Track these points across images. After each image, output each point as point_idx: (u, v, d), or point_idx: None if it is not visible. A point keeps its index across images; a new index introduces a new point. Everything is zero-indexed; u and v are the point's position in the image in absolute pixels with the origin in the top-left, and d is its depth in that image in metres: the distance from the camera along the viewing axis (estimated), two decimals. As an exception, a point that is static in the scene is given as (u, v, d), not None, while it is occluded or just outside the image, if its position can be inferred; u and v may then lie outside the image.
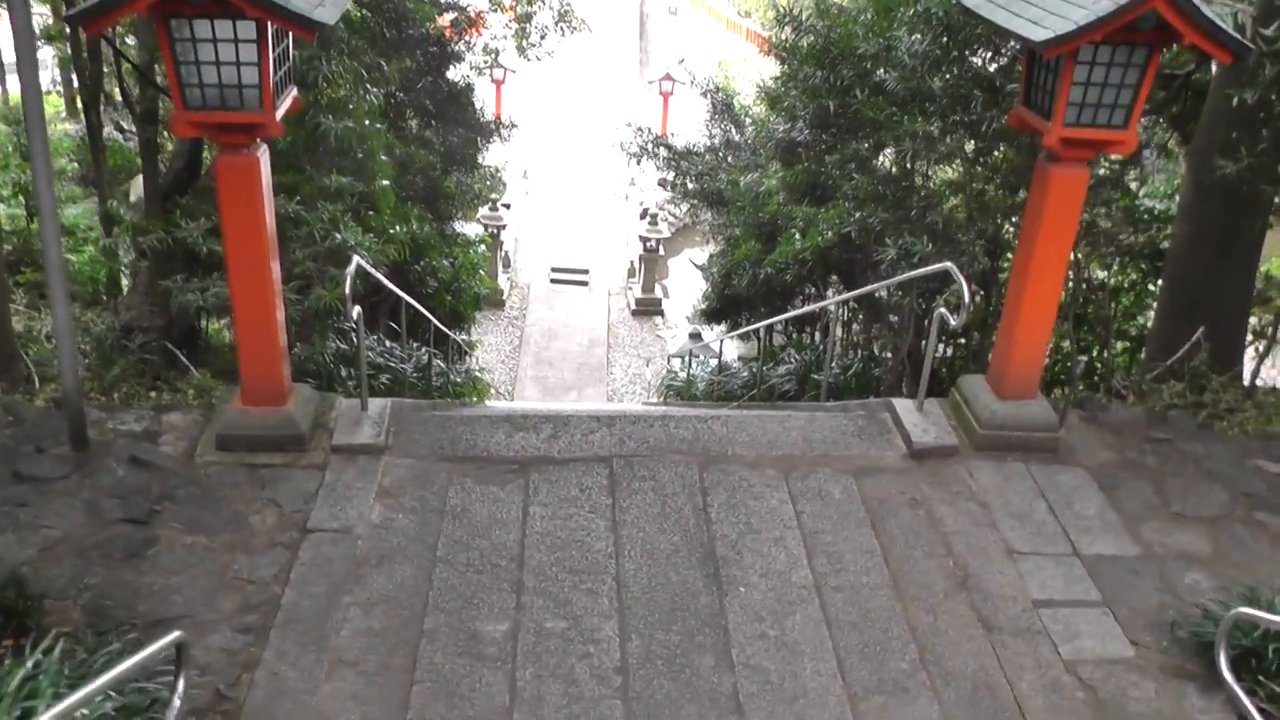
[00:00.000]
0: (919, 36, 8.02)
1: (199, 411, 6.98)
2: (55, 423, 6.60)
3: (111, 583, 5.47)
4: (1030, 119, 6.41)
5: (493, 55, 17.63)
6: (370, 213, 8.41)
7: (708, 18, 50.42)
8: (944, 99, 8.06)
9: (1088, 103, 6.01)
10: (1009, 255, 9.05)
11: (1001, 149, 8.82)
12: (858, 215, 8.92)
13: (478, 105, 14.17)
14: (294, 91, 5.97)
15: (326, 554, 5.74)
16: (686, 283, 29.10)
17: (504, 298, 26.00)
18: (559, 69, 39.31)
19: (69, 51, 12.17)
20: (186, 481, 6.24)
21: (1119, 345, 10.00)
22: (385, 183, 8.56)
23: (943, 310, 6.95)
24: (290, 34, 5.78)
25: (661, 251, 26.78)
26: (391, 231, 8.51)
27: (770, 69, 22.47)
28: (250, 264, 6.05)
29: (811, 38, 10.18)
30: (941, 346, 9.82)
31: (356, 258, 6.35)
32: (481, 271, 16.96)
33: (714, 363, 17.88)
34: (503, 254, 26.83)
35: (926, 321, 9.33)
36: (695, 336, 20.90)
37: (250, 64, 5.40)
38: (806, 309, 11.02)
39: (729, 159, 15.88)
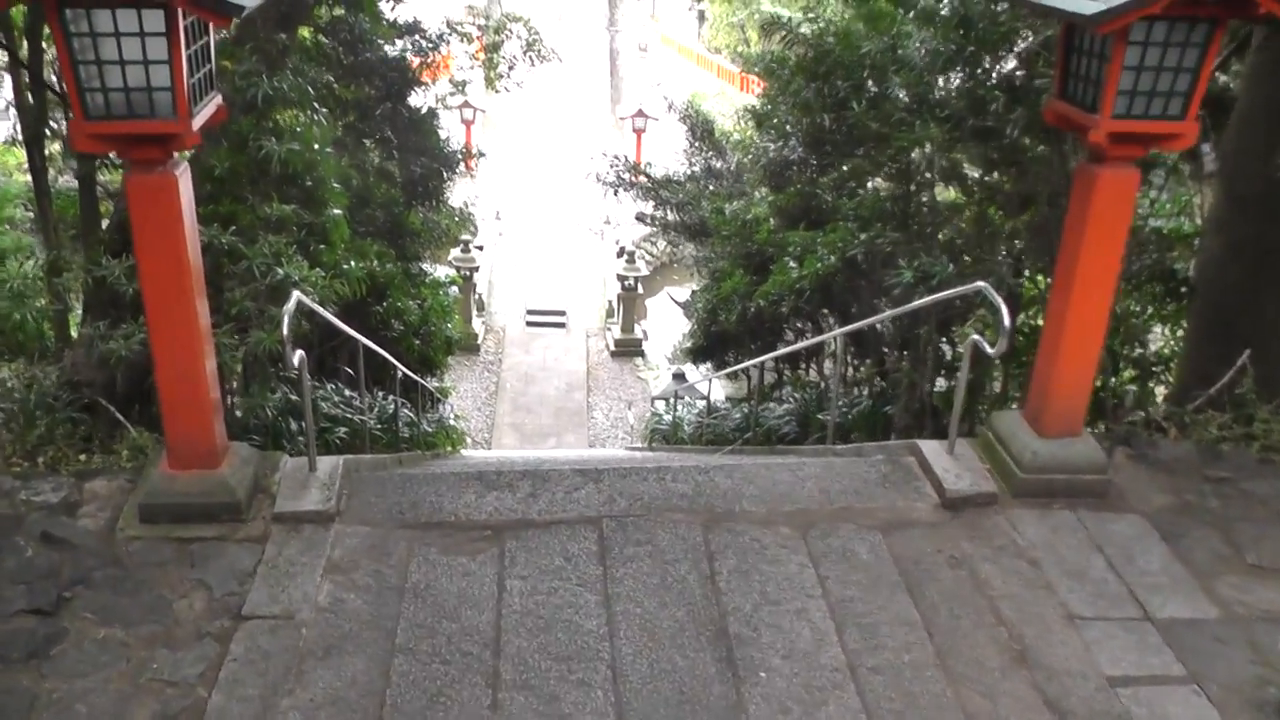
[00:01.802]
0: (930, 32, 7.20)
1: (126, 477, 6.03)
2: (-40, 497, 5.67)
3: (4, 691, 4.52)
4: (1070, 113, 5.57)
5: (459, 87, 16.73)
6: (321, 247, 7.50)
7: (678, 55, 50.05)
8: (961, 101, 7.24)
9: (1140, 90, 5.18)
10: (1035, 275, 8.20)
11: (999, 173, 8.00)
12: (863, 236, 8.07)
13: (443, 134, 13.28)
14: (217, 99, 5.07)
15: (263, 646, 4.79)
16: (666, 323, 28.43)
17: (479, 342, 25.14)
18: (530, 109, 38.85)
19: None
20: (105, 561, 5.29)
21: (1126, 374, 9.17)
22: (337, 212, 7.64)
23: (977, 337, 6.08)
24: (210, 32, 4.90)
25: (640, 290, 26.00)
26: (346, 267, 7.59)
27: (745, 101, 21.80)
28: (171, 303, 5.14)
29: (801, 49, 9.37)
30: (941, 380, 8.99)
31: (297, 294, 5.43)
32: (454, 315, 16.12)
33: (700, 404, 17.09)
34: (476, 297, 25.98)
35: (929, 349, 8.49)
36: (679, 377, 20.07)
37: (160, 62, 4.52)
38: (813, 341, 10.07)
39: (711, 187, 15.05)
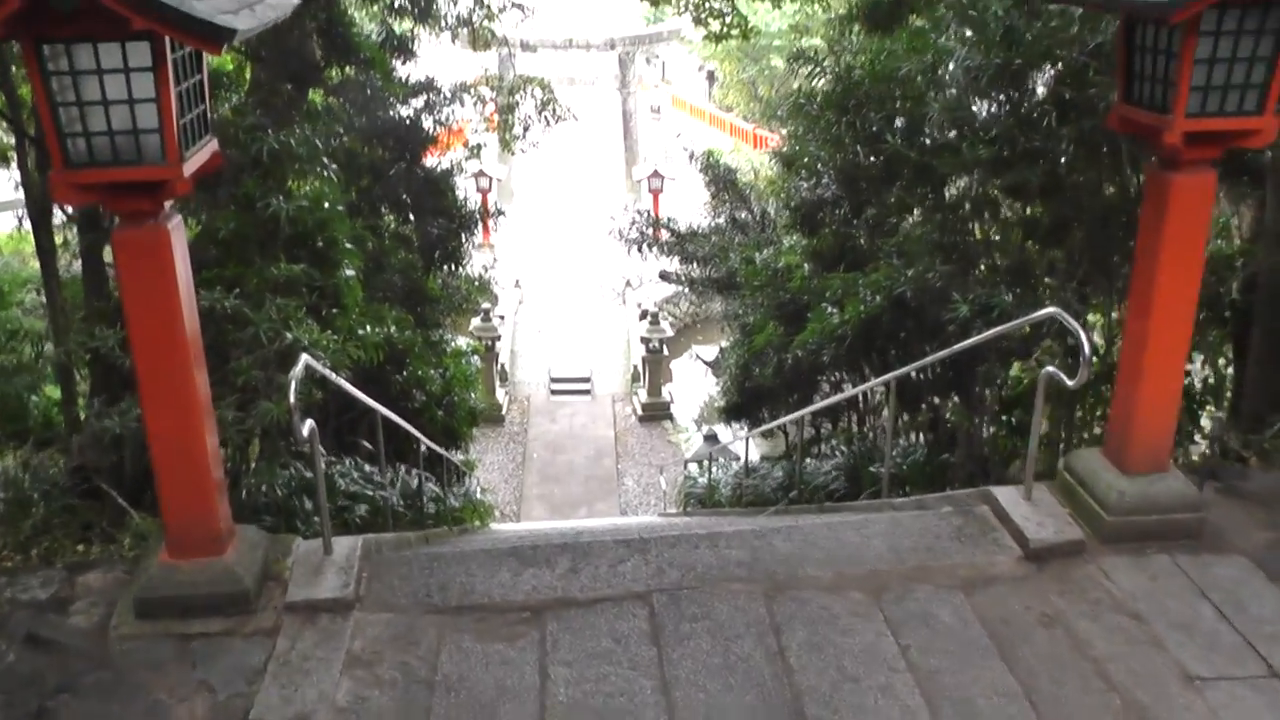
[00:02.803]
0: (970, 50, 6.70)
1: (124, 568, 5.51)
2: (-59, 597, 5.16)
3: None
4: (1138, 116, 5.07)
5: (474, 151, 16.40)
6: (334, 311, 7.00)
7: (690, 116, 49.92)
8: (1009, 120, 6.72)
9: (1214, 85, 4.71)
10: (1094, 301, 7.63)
11: (1040, 201, 7.47)
12: (911, 273, 7.52)
13: (459, 194, 12.84)
14: (212, 144, 4.60)
15: (276, 756, 4.22)
16: (693, 385, 27.90)
17: (503, 413, 24.62)
18: (545, 176, 38.69)
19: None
20: (95, 664, 4.74)
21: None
22: (350, 273, 7.14)
23: (1052, 369, 5.51)
24: (203, 69, 4.44)
25: (665, 352, 25.47)
26: (361, 332, 7.08)
27: (759, 158, 21.31)
28: (165, 372, 4.63)
29: (828, 82, 8.91)
30: (986, 425, 8.37)
31: (305, 357, 4.91)
32: (478, 384, 15.66)
33: (736, 465, 16.48)
34: (499, 367, 25.50)
35: (988, 389, 7.88)
36: (711, 438, 19.49)
37: (147, 100, 4.05)
38: (864, 386, 9.22)
39: (737, 239, 14.55)
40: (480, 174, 27.93)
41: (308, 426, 4.84)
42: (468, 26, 17.10)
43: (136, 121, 4.08)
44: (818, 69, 8.96)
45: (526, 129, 17.74)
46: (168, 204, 4.43)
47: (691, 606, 5.05)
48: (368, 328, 7.35)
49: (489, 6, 16.94)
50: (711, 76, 50.77)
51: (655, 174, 32.79)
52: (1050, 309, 5.60)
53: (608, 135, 41.87)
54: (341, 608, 5.03)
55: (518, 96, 17.85)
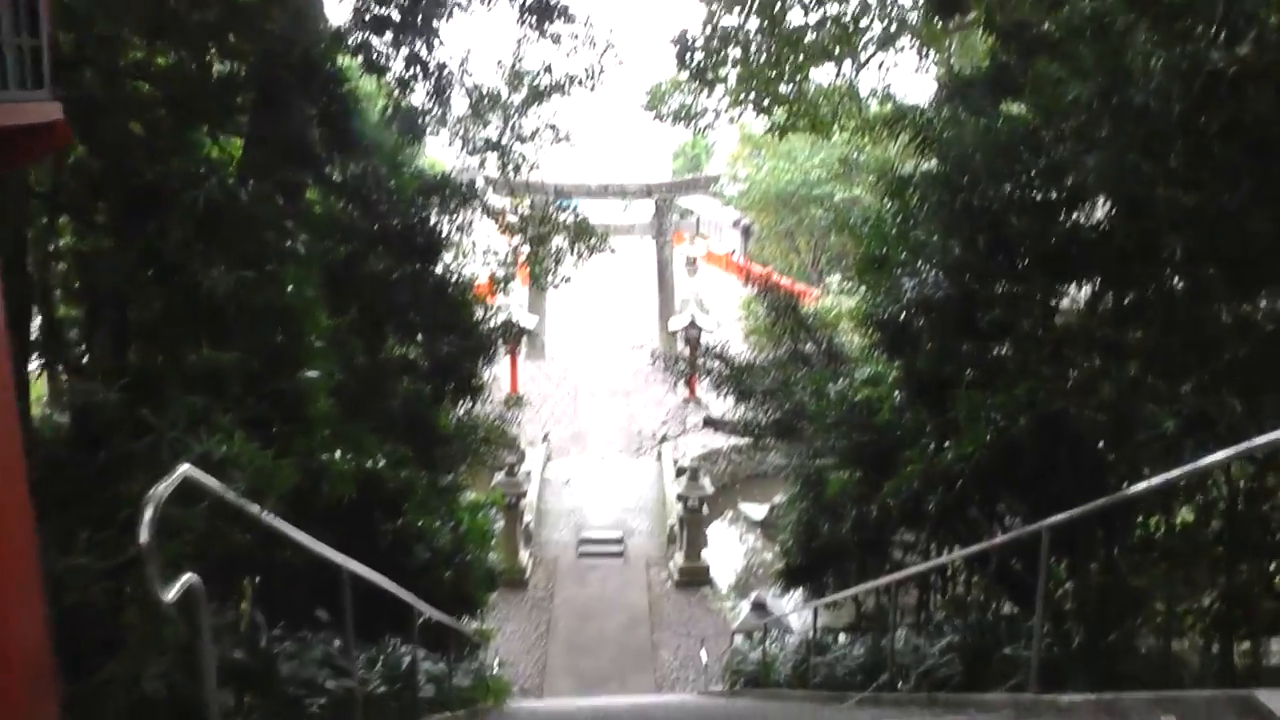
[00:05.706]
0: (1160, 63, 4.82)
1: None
2: None
3: None
4: None
5: (501, 284, 14.82)
6: (287, 425, 5.08)
7: (724, 271, 48.95)
8: (1227, 151, 4.81)
9: None
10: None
11: None
12: (1070, 382, 5.51)
13: (478, 311, 11.00)
14: (52, 109, 2.76)
15: None
16: (733, 549, 26.14)
17: (526, 576, 22.64)
18: (576, 327, 37.37)
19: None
20: None
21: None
22: (313, 374, 5.21)
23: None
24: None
25: (705, 511, 23.42)
26: (326, 457, 5.16)
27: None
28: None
29: (930, 154, 7.12)
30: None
31: (187, 468, 2.97)
32: (494, 541, 13.75)
33: (789, 638, 14.39)
34: (523, 526, 23.47)
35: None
36: (759, 607, 17.38)
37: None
38: (1005, 538, 6.65)
39: (800, 373, 12.55)
40: (508, 322, 26.33)
41: (181, 582, 2.88)
42: (497, 150, 15.72)
43: None
44: (920, 136, 7.13)
45: (559, 261, 16.18)
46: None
47: None
48: (337, 454, 5.40)
49: (520, 126, 15.64)
50: (747, 231, 49.81)
51: (692, 324, 31.22)
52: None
53: (643, 286, 40.81)
54: None
55: (548, 227, 16.34)
